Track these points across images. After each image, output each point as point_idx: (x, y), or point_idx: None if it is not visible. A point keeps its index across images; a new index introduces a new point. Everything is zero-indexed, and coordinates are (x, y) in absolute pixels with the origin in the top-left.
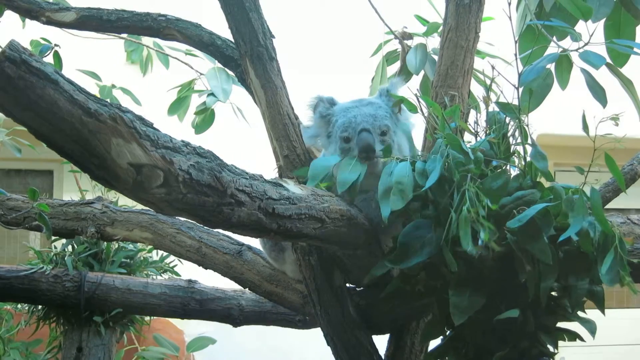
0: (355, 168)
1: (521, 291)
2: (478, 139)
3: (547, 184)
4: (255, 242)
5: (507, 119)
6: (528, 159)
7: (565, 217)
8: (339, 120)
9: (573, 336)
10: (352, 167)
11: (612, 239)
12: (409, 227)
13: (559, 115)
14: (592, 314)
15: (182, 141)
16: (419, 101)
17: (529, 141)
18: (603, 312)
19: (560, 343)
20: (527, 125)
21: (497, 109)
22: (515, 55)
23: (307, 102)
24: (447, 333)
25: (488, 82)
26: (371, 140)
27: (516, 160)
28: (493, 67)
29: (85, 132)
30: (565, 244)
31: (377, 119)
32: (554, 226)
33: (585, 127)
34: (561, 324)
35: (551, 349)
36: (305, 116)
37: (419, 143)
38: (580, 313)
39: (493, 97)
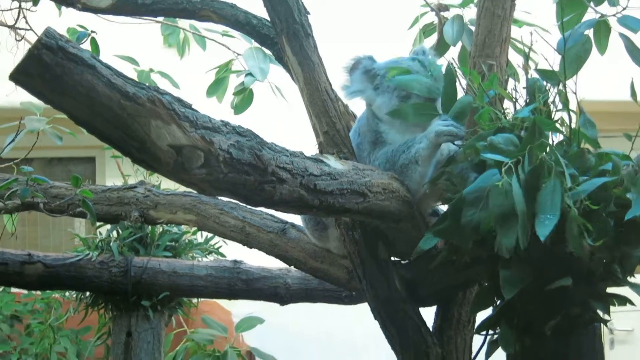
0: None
1: (571, 259)
2: (517, 106)
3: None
4: (298, 220)
5: (548, 86)
6: (573, 125)
7: (625, 190)
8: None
9: (623, 301)
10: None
11: None
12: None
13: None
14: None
15: (221, 121)
16: (456, 71)
17: (575, 108)
18: None
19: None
20: (575, 92)
21: (536, 76)
22: (561, 22)
23: (343, 65)
24: (497, 303)
25: (526, 50)
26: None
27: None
28: (532, 34)
29: (124, 115)
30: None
31: (429, 68)
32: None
33: (634, 94)
34: (611, 290)
35: (602, 314)
36: (342, 78)
37: None
38: (629, 278)
39: (532, 65)
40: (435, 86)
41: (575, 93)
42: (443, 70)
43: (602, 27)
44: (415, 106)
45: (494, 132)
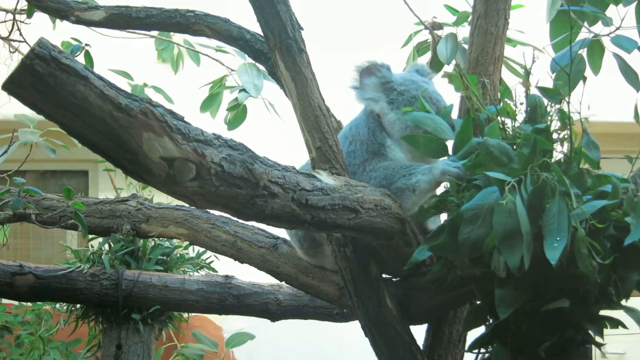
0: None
1: (568, 280)
2: (516, 123)
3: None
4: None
5: (549, 104)
6: (574, 145)
7: (624, 214)
8: (414, 93)
9: (616, 324)
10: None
11: None
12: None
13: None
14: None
15: (214, 134)
16: (461, 77)
17: (578, 128)
18: None
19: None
20: (579, 112)
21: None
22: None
23: (356, 64)
24: (490, 322)
25: (521, 69)
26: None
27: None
28: (533, 52)
29: (117, 127)
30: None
31: (441, 100)
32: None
33: (637, 116)
34: (604, 312)
35: (595, 336)
36: (353, 78)
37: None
38: (623, 301)
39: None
40: (447, 127)
41: (579, 113)
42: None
43: (596, 47)
44: (428, 138)
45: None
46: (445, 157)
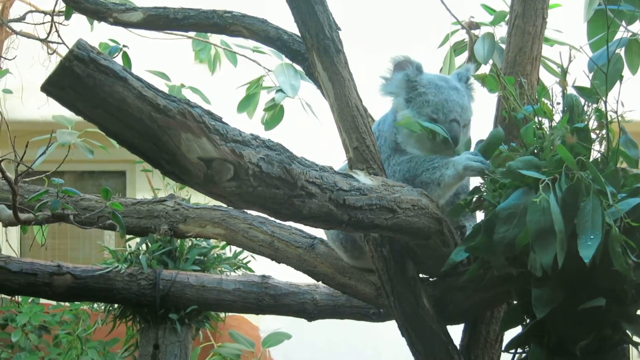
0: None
1: (604, 279)
2: (553, 123)
3: None
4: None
5: (585, 103)
6: (612, 144)
7: None
8: (430, 97)
9: None
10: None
11: None
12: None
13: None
14: None
15: (251, 134)
16: (498, 77)
17: (615, 127)
18: None
19: None
20: (615, 112)
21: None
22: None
23: (392, 56)
24: (527, 322)
25: (559, 69)
26: (459, 133)
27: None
28: (570, 51)
29: (155, 127)
30: None
31: (464, 110)
32: None
33: None
34: None
35: (632, 336)
36: (385, 69)
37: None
38: None
39: (568, 82)
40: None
41: (616, 112)
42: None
43: (633, 46)
44: (435, 144)
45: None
46: (468, 151)
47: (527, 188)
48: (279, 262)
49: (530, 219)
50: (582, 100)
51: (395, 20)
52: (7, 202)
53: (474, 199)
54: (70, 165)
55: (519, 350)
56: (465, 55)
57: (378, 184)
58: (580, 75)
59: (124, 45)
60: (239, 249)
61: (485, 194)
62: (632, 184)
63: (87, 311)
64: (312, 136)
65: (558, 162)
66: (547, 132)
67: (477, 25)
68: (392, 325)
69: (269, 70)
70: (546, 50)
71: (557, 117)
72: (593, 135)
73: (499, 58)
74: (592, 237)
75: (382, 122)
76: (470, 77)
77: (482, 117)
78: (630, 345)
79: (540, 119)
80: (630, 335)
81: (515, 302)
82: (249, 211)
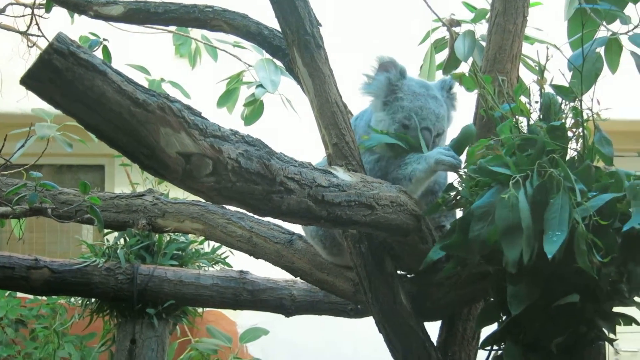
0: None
1: (579, 276)
2: (531, 121)
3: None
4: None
5: (563, 102)
6: (588, 142)
7: (628, 205)
8: (405, 103)
9: (629, 321)
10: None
11: None
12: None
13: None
14: None
15: (231, 130)
16: (476, 77)
17: (592, 126)
18: None
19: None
20: (591, 110)
21: (551, 92)
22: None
23: (377, 55)
24: (503, 319)
25: (537, 66)
26: (429, 142)
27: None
28: (547, 49)
29: (134, 122)
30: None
31: (438, 120)
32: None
33: None
34: (617, 309)
35: (608, 333)
36: (369, 68)
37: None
38: (637, 298)
39: (546, 81)
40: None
41: (591, 110)
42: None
43: (613, 45)
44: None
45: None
46: (440, 147)
47: (501, 186)
48: (257, 258)
49: (499, 215)
50: (560, 99)
51: (376, 16)
52: None
53: (451, 197)
54: (48, 159)
55: (495, 347)
56: (445, 52)
57: (357, 180)
58: (561, 74)
59: (104, 39)
60: (217, 244)
61: (462, 190)
62: (606, 181)
63: (64, 305)
64: (291, 132)
65: (530, 159)
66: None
67: (458, 23)
68: (369, 322)
69: (250, 66)
70: (527, 49)
71: (535, 116)
72: (570, 134)
73: (479, 56)
74: (558, 233)
75: (360, 118)
76: (452, 86)
77: (462, 115)
78: (605, 342)
79: (517, 117)
80: (605, 332)
81: (491, 299)
82: (227, 206)
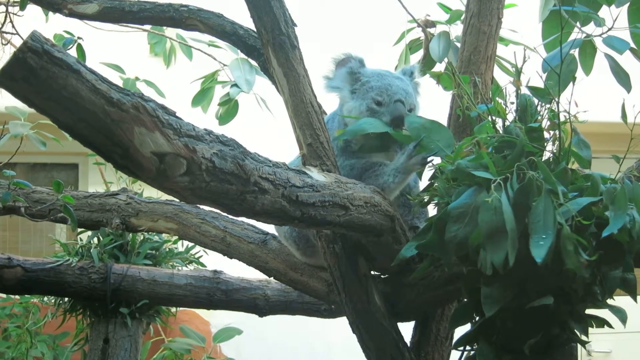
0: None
1: (553, 278)
2: (506, 122)
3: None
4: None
5: (538, 103)
6: (565, 144)
7: (603, 208)
8: (373, 83)
9: (602, 323)
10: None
11: None
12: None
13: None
14: (619, 300)
15: (205, 129)
16: (454, 75)
17: (569, 128)
18: (635, 300)
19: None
20: (568, 112)
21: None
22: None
23: (333, 56)
24: (477, 319)
25: (513, 68)
26: (404, 113)
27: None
28: (524, 51)
29: (108, 121)
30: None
31: (408, 95)
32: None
33: (624, 115)
34: (590, 311)
35: (580, 335)
36: (327, 69)
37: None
38: (609, 300)
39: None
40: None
41: (568, 112)
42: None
43: (587, 47)
44: (377, 137)
45: (494, 145)
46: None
47: (478, 187)
48: (230, 258)
49: (483, 219)
50: (536, 101)
51: (351, 17)
52: None
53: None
54: (22, 157)
55: (468, 347)
56: (420, 53)
57: (331, 180)
58: (534, 76)
59: (78, 37)
60: (191, 244)
61: (437, 187)
62: (582, 184)
63: (37, 304)
64: (266, 131)
65: (508, 161)
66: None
67: (433, 24)
68: (343, 322)
69: (225, 65)
70: (501, 50)
71: (511, 117)
72: (547, 136)
73: (454, 57)
74: (544, 236)
75: (331, 120)
76: (414, 72)
77: (436, 115)
78: (578, 344)
79: (493, 117)
80: (578, 333)
81: (465, 299)
82: (201, 206)
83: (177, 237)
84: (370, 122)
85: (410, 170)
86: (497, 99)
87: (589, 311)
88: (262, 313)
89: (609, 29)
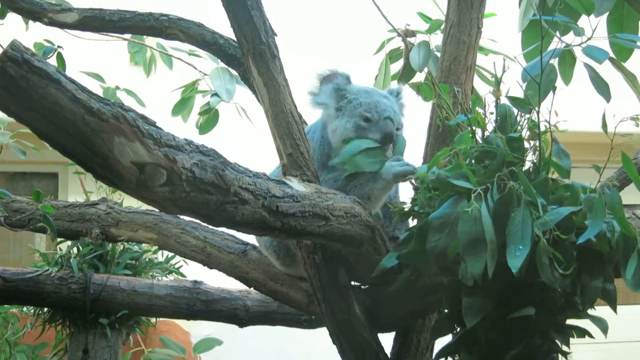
0: (376, 153)
1: (534, 289)
2: (486, 132)
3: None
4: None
5: (518, 113)
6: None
7: (583, 217)
8: (361, 99)
9: (582, 333)
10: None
11: (633, 241)
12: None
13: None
14: (600, 310)
15: (185, 139)
16: (433, 85)
17: (550, 138)
18: (615, 311)
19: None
20: (548, 121)
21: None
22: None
23: (318, 71)
24: (458, 330)
25: (493, 78)
26: (393, 130)
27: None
28: (504, 61)
29: (88, 131)
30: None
31: (396, 114)
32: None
33: (604, 125)
34: (571, 321)
35: (562, 345)
36: (312, 85)
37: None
38: (590, 311)
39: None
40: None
41: (548, 122)
42: None
43: (567, 57)
44: (366, 154)
45: (475, 155)
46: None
47: (458, 196)
48: (211, 268)
49: (462, 229)
50: (515, 111)
51: (331, 27)
52: None
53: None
54: (1, 166)
55: (450, 358)
56: (400, 62)
57: (311, 191)
58: (514, 85)
59: (58, 46)
60: (171, 254)
61: (418, 198)
62: (562, 193)
63: (17, 314)
64: (246, 141)
65: (488, 171)
66: (480, 142)
67: (413, 33)
68: (323, 332)
69: (205, 74)
70: (481, 60)
71: (490, 127)
72: (527, 145)
73: (434, 66)
74: (520, 247)
75: (313, 132)
76: (400, 93)
77: (416, 126)
78: (559, 354)
79: (473, 128)
80: (559, 344)
81: (446, 310)
82: (181, 216)
83: (157, 247)
84: (359, 144)
85: (399, 175)
86: (477, 109)
87: (570, 321)
88: (242, 323)
89: (589, 39)
